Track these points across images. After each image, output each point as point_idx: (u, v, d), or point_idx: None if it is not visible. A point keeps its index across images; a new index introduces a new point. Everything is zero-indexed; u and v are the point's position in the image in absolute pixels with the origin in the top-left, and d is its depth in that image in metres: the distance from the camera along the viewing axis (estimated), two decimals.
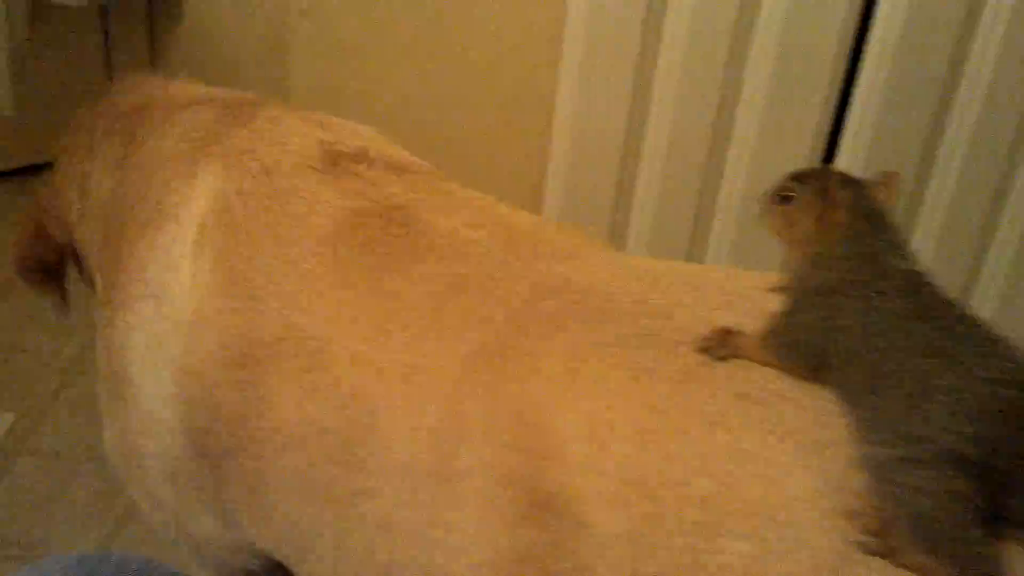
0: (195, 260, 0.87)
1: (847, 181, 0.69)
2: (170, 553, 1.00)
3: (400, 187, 0.87)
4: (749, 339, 0.66)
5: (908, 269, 0.65)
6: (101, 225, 1.01)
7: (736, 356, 0.66)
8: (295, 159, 0.89)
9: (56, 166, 1.10)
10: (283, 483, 0.81)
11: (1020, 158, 1.42)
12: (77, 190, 1.05)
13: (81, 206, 1.05)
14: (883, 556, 0.56)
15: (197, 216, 0.88)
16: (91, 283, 1.08)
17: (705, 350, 0.67)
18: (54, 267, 1.15)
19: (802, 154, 1.45)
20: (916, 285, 0.64)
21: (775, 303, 0.68)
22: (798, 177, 0.70)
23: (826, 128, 1.45)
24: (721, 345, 0.67)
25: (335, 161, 0.89)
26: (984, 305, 1.50)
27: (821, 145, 1.46)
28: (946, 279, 1.49)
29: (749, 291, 0.74)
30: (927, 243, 1.48)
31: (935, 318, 0.61)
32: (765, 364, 0.66)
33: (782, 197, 0.70)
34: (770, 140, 1.46)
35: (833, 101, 1.44)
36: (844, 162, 1.45)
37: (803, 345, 0.65)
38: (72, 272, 1.16)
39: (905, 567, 0.56)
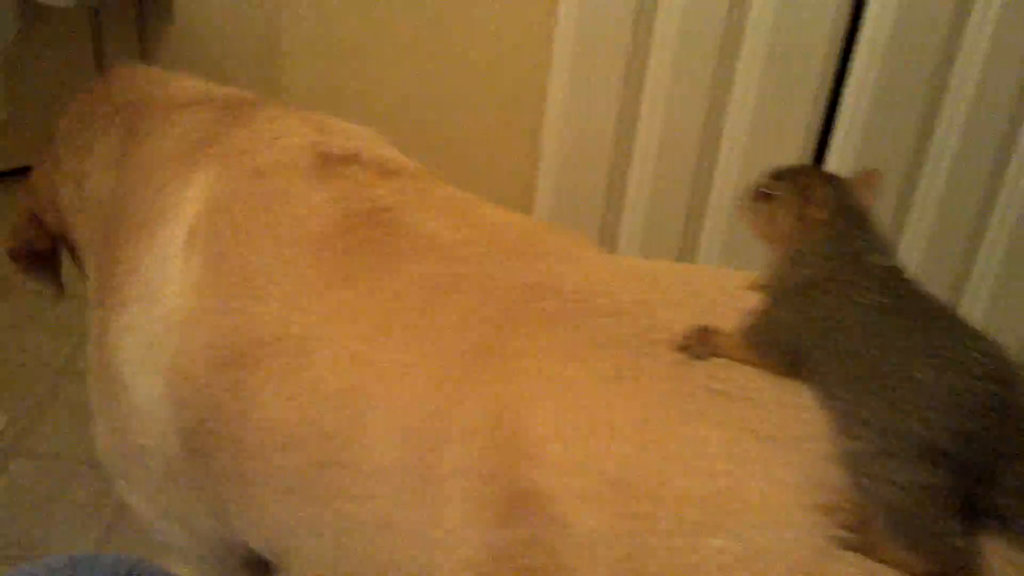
0: (186, 261, 0.87)
1: (827, 179, 0.69)
2: (165, 552, 1.01)
3: (387, 189, 0.88)
4: (728, 337, 0.67)
5: (887, 265, 0.65)
6: (100, 224, 1.01)
7: (715, 354, 0.67)
8: (287, 161, 0.90)
9: (51, 153, 1.10)
10: (270, 483, 0.82)
11: (1010, 156, 1.43)
12: (74, 186, 1.05)
13: (78, 202, 1.05)
14: (861, 551, 0.57)
15: (190, 218, 0.89)
16: (85, 275, 1.08)
17: (684, 349, 0.67)
18: (47, 254, 1.16)
19: (793, 153, 1.46)
20: (894, 281, 0.64)
21: (755, 301, 0.68)
22: (778, 175, 0.71)
23: (816, 127, 1.46)
24: (700, 344, 0.67)
25: (325, 163, 0.90)
26: (975, 303, 1.51)
27: (812, 144, 1.47)
28: (937, 277, 1.51)
29: (730, 290, 0.74)
30: (918, 242, 1.49)
31: (913, 313, 0.62)
32: (744, 362, 0.66)
33: (763, 195, 0.71)
34: (761, 139, 1.46)
35: (823, 100, 1.44)
36: (834, 161, 1.45)
37: (781, 341, 0.65)
38: (68, 267, 1.17)
39: (883, 562, 0.56)
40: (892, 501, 0.56)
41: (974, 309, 1.51)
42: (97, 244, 1.01)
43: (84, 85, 1.13)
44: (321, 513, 0.78)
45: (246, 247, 0.85)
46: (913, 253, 1.49)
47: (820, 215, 0.67)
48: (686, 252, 1.57)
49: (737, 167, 1.48)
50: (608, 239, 1.61)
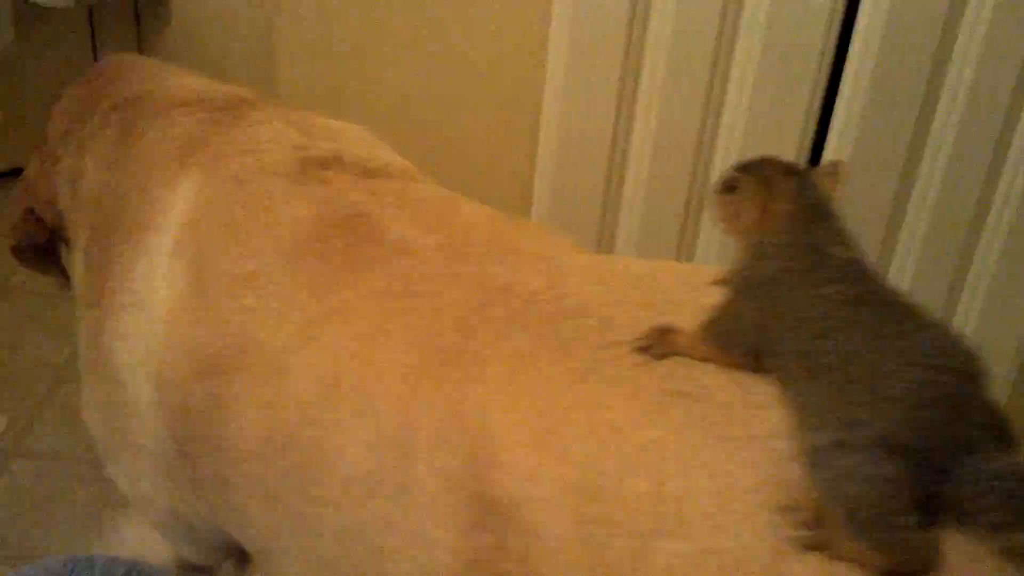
0: (170, 269, 0.88)
1: (790, 171, 0.69)
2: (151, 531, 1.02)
3: (364, 193, 0.89)
4: (687, 335, 0.67)
5: (848, 257, 0.65)
6: (93, 222, 1.01)
7: (675, 353, 0.67)
8: (268, 167, 0.91)
9: (45, 148, 1.10)
10: (249, 489, 0.83)
11: (1007, 150, 1.43)
12: (69, 183, 1.06)
13: (73, 200, 1.06)
14: (819, 549, 0.57)
15: (175, 225, 0.90)
16: (73, 270, 1.09)
17: (644, 349, 0.67)
18: (48, 248, 1.17)
19: (789, 152, 1.46)
20: (855, 273, 0.64)
21: (719, 296, 0.69)
22: (743, 167, 0.71)
23: (812, 127, 1.46)
24: (659, 344, 0.67)
25: (305, 168, 0.91)
26: (972, 301, 1.51)
27: (807, 143, 1.47)
28: (934, 273, 1.51)
29: (695, 285, 0.75)
30: (914, 240, 1.49)
31: (874, 305, 0.62)
32: (704, 360, 0.66)
33: (728, 188, 0.71)
34: (757, 138, 1.46)
35: (819, 100, 1.44)
36: (830, 158, 1.46)
37: (744, 335, 0.65)
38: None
39: (842, 559, 0.56)
40: (851, 495, 0.56)
41: (971, 308, 1.51)
42: (90, 242, 1.01)
43: (78, 76, 1.13)
44: (297, 519, 0.79)
45: (225, 255, 0.86)
46: (911, 249, 1.49)
47: (782, 207, 0.67)
48: (683, 250, 1.57)
49: None
50: (606, 238, 1.61)
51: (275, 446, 0.79)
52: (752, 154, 1.45)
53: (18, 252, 1.19)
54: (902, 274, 1.51)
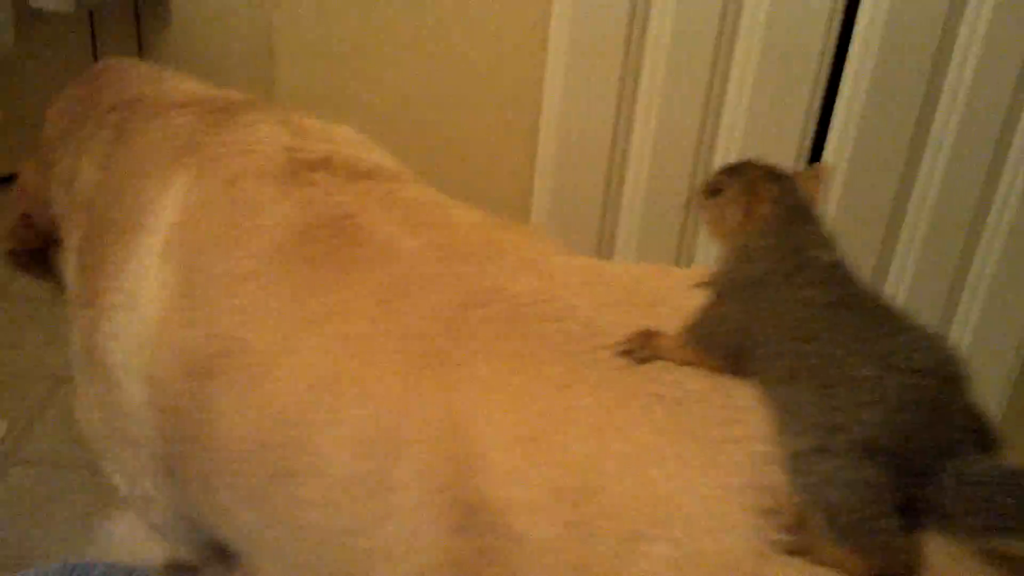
0: (161, 270, 0.89)
1: (774, 174, 0.69)
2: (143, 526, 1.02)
3: (353, 195, 0.89)
4: (669, 339, 0.67)
5: (830, 260, 0.65)
6: (87, 223, 1.02)
7: (657, 357, 0.67)
8: (258, 169, 0.91)
9: (41, 151, 1.11)
10: (234, 491, 0.83)
11: (1007, 150, 1.42)
12: (64, 185, 1.06)
13: (67, 202, 1.06)
14: (800, 553, 0.57)
15: (166, 226, 0.90)
16: (64, 272, 1.09)
17: (627, 353, 0.67)
18: (41, 252, 1.17)
19: (789, 153, 1.45)
20: (837, 276, 0.64)
21: (702, 298, 0.69)
22: (727, 171, 0.71)
23: (812, 128, 1.46)
24: (642, 347, 0.67)
25: (295, 170, 0.91)
26: (972, 303, 1.50)
27: (807, 145, 1.47)
28: (933, 275, 1.51)
29: (679, 288, 0.75)
30: (914, 240, 1.49)
31: (854, 309, 0.62)
32: (685, 363, 0.66)
33: (712, 191, 0.71)
34: (757, 139, 1.46)
35: (819, 100, 1.44)
36: (830, 159, 1.45)
37: (726, 338, 0.65)
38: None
39: (823, 563, 0.56)
40: (832, 499, 0.56)
41: (971, 309, 1.50)
42: (84, 242, 1.01)
43: (73, 79, 1.13)
44: (280, 520, 0.79)
45: (213, 257, 0.86)
46: (910, 252, 1.49)
47: (765, 210, 0.67)
48: (683, 251, 1.57)
49: None
50: (605, 239, 1.61)
51: (259, 447, 0.79)
52: (752, 154, 1.46)
53: (13, 257, 1.19)
54: (902, 275, 1.51)
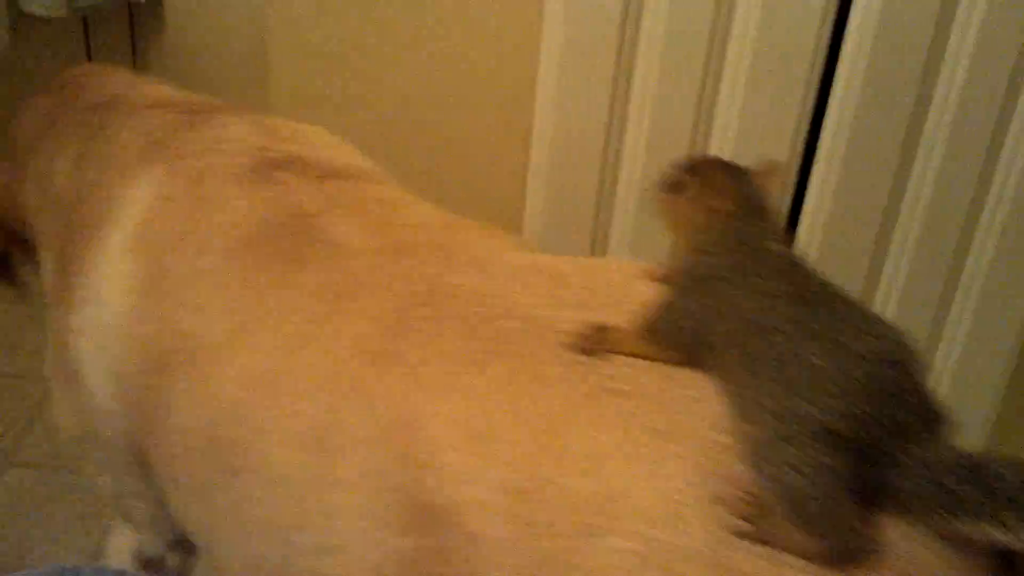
0: (126, 265, 0.89)
1: (731, 170, 0.70)
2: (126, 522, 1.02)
3: (315, 195, 0.89)
4: (623, 333, 0.67)
5: (784, 253, 0.66)
6: (60, 221, 1.02)
7: (611, 351, 0.67)
8: (225, 167, 0.91)
9: (10, 155, 1.11)
10: (187, 487, 0.84)
11: (999, 153, 1.43)
12: (38, 187, 1.06)
13: (41, 202, 1.06)
14: (760, 541, 0.57)
15: (133, 221, 0.91)
16: (38, 273, 1.09)
17: (579, 348, 0.68)
18: (7, 256, 1.17)
19: (781, 154, 1.46)
20: (792, 269, 0.65)
21: (658, 292, 0.69)
22: (685, 166, 0.72)
23: (805, 126, 1.46)
24: (596, 342, 0.67)
25: (262, 169, 0.91)
26: (966, 302, 1.51)
27: (801, 143, 1.47)
28: (928, 274, 1.51)
29: (633, 282, 0.75)
30: (908, 240, 1.49)
31: (810, 299, 0.63)
32: (640, 356, 0.67)
33: (670, 186, 0.71)
34: (750, 139, 1.46)
35: (811, 100, 1.44)
36: (823, 159, 1.46)
37: (684, 330, 0.66)
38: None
39: (783, 549, 0.57)
40: (790, 485, 0.56)
41: (965, 308, 1.51)
42: (56, 241, 1.02)
43: (42, 86, 1.14)
44: (230, 517, 0.80)
45: (173, 254, 0.87)
46: (904, 251, 1.50)
47: (721, 205, 0.68)
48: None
49: None
50: (599, 238, 1.61)
51: (207, 442, 0.80)
52: (744, 155, 1.47)
53: None
54: (896, 274, 1.51)
